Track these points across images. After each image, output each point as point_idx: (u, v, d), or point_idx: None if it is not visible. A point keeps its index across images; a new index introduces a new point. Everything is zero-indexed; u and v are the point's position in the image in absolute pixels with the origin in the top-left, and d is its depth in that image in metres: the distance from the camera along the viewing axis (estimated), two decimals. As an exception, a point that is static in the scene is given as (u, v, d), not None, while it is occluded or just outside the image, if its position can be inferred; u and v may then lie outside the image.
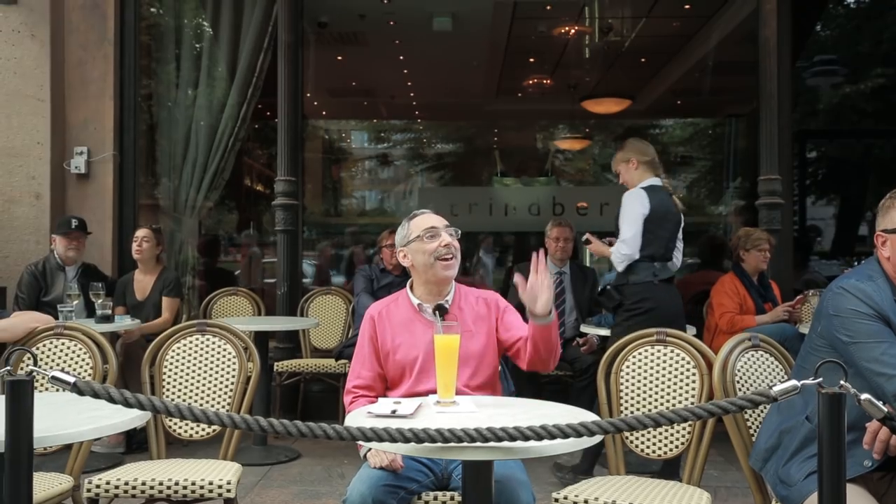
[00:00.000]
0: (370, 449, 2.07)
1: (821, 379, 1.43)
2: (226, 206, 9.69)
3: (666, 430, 2.45)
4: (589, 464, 3.68)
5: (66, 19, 5.03)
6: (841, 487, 1.40)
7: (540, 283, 2.02)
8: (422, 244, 2.21)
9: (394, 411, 1.78)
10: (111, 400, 1.51)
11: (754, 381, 2.25)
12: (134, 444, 4.20)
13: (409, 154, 12.18)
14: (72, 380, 1.51)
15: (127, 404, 1.52)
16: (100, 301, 3.99)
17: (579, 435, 1.49)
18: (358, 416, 1.80)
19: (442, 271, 2.21)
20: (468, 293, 2.32)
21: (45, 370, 1.50)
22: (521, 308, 2.23)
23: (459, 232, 2.28)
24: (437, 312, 2.21)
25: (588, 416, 1.79)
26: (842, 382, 1.42)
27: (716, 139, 10.34)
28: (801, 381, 1.45)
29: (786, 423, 2.03)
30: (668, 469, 3.22)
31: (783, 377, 2.32)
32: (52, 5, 4.91)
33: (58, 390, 2.39)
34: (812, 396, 1.87)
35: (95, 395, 1.51)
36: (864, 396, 1.43)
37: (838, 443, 1.40)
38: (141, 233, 4.56)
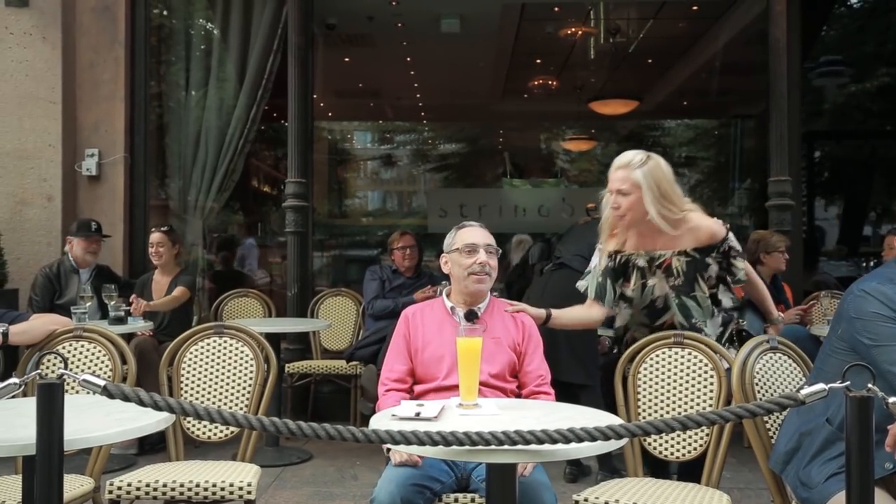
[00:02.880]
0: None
1: (848, 382, 1.44)
2: (231, 207, 9.72)
3: (685, 433, 2.45)
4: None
5: (77, 22, 5.05)
6: (870, 490, 1.41)
7: None
8: (460, 257, 2.37)
9: (417, 414, 1.79)
10: (141, 403, 1.51)
11: (773, 384, 2.26)
12: (146, 446, 4.21)
13: (415, 155, 12.19)
14: (102, 383, 1.52)
15: (157, 407, 1.52)
16: (113, 303, 4.00)
17: (606, 438, 1.50)
18: (382, 419, 1.81)
19: (473, 285, 2.36)
20: (500, 304, 2.46)
21: (74, 373, 1.51)
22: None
23: (500, 251, 2.43)
24: (469, 318, 2.32)
25: (611, 419, 1.79)
26: (869, 385, 1.42)
27: (722, 140, 10.34)
28: (829, 385, 1.45)
29: (806, 425, 2.04)
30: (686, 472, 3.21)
31: (801, 380, 2.32)
32: (64, 8, 4.93)
33: (79, 392, 2.40)
34: (833, 399, 1.87)
35: (126, 398, 1.52)
36: (893, 399, 1.44)
37: (867, 446, 1.40)
38: (156, 238, 4.55)
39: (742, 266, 2.65)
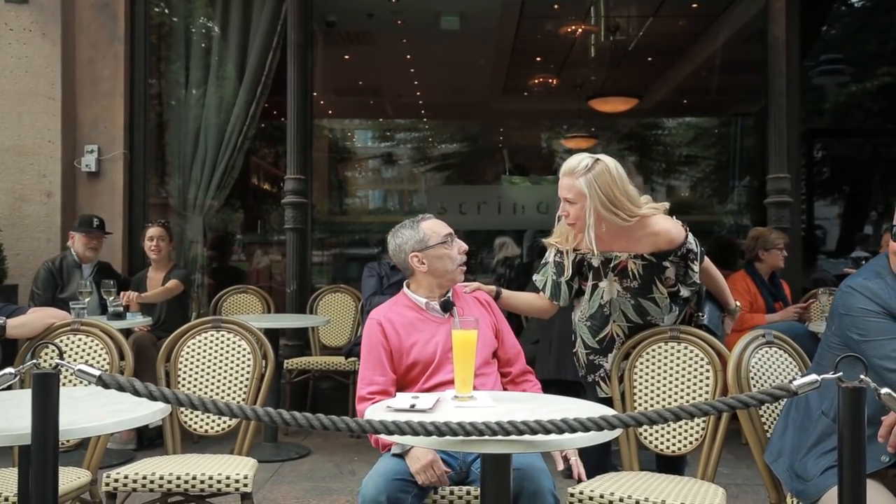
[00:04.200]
0: (406, 452, 2.07)
1: (840, 373, 1.44)
2: (231, 205, 9.73)
3: (680, 426, 2.45)
4: None
5: (76, 18, 5.06)
6: (861, 482, 1.41)
7: None
8: (445, 250, 2.31)
9: (412, 405, 1.79)
10: (136, 393, 1.52)
11: (768, 378, 2.26)
12: (145, 441, 4.22)
13: (414, 153, 12.20)
14: (97, 373, 1.52)
15: (151, 397, 1.53)
16: (111, 299, 4.01)
17: (600, 428, 1.50)
18: (377, 411, 1.81)
19: (460, 275, 2.34)
20: (459, 289, 2.43)
21: (70, 364, 1.52)
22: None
23: None
24: (446, 308, 2.30)
25: (605, 411, 1.80)
26: (861, 377, 1.43)
27: (722, 138, 10.34)
28: (822, 376, 1.46)
29: (801, 418, 2.04)
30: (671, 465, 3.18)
31: (797, 374, 2.32)
32: (63, 4, 4.93)
33: (76, 384, 2.41)
34: (828, 392, 1.89)
35: (120, 388, 1.53)
36: (885, 391, 1.44)
37: (859, 437, 1.41)
38: (156, 232, 4.56)
39: (697, 270, 2.55)
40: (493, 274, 6.08)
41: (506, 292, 2.62)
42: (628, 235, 2.47)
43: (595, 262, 2.54)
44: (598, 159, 2.40)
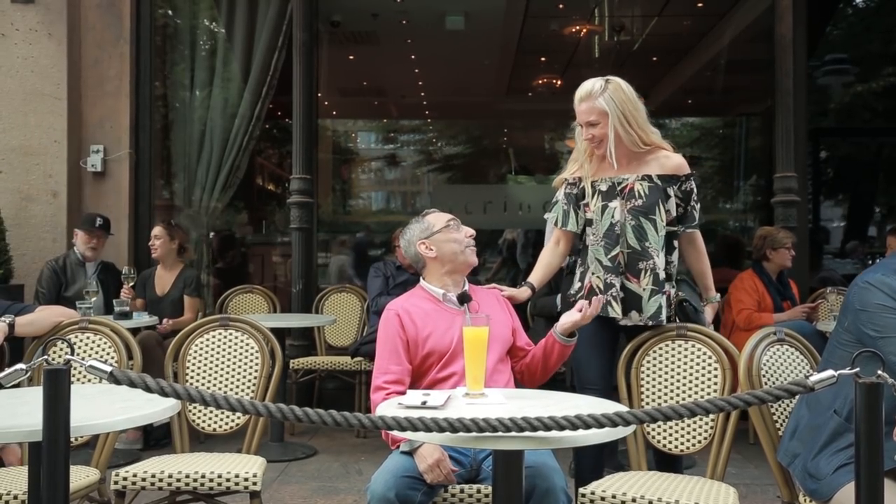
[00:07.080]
0: (414, 450, 2.06)
1: (857, 369, 1.43)
2: (234, 206, 9.72)
3: (689, 425, 2.44)
4: None
5: (82, 18, 5.06)
6: (879, 478, 1.40)
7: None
8: (450, 233, 2.36)
9: (424, 402, 1.79)
10: (147, 389, 1.51)
11: (780, 376, 2.25)
12: (151, 441, 4.21)
13: (418, 153, 12.19)
14: (108, 369, 1.52)
15: (163, 393, 1.52)
16: (127, 285, 4.14)
17: (614, 424, 1.49)
18: (388, 407, 1.80)
19: (471, 256, 2.37)
20: (476, 287, 2.47)
21: (81, 360, 1.51)
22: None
23: None
24: (462, 302, 2.31)
25: (618, 408, 1.79)
26: (879, 372, 1.41)
27: (727, 138, 10.31)
28: (839, 371, 1.44)
29: (813, 417, 2.03)
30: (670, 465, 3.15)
31: (809, 372, 2.30)
32: (69, 4, 4.93)
33: (85, 382, 2.40)
34: (841, 390, 1.87)
35: (132, 384, 1.52)
36: (903, 386, 1.43)
37: (877, 433, 1.39)
38: (154, 231, 4.62)
39: (698, 210, 2.75)
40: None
41: (531, 278, 2.75)
42: (639, 158, 2.65)
43: (603, 187, 2.67)
44: (608, 79, 2.58)
